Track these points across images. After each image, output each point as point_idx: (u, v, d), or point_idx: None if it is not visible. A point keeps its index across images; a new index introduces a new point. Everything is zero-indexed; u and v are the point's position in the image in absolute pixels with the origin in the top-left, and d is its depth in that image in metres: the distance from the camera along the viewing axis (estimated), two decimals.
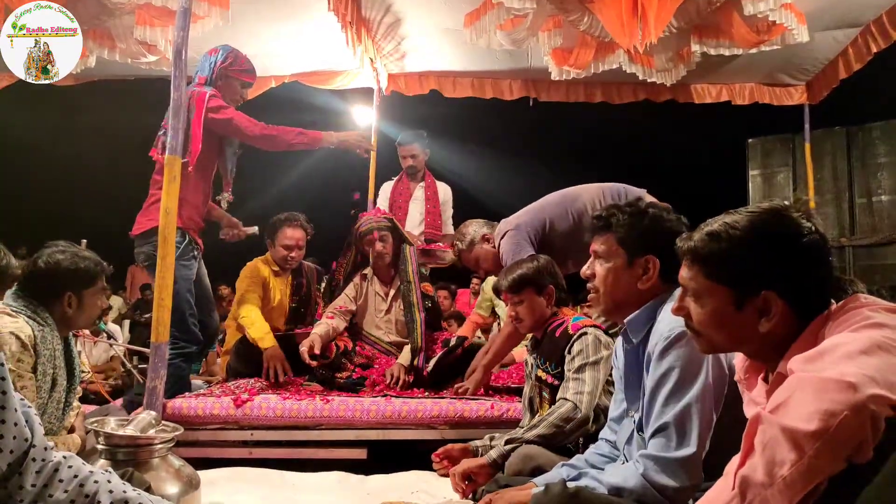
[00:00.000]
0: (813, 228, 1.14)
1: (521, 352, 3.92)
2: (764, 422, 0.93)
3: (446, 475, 2.20)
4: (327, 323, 3.33)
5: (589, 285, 1.71)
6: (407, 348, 3.30)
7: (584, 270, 1.71)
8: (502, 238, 3.15)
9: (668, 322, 1.49)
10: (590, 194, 3.21)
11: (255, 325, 3.39)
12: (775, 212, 1.16)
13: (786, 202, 1.19)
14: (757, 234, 1.15)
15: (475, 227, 3.33)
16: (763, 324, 1.14)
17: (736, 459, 0.99)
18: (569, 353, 2.17)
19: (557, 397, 2.16)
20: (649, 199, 3.12)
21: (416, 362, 3.18)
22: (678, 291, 1.59)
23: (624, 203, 1.70)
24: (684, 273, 1.25)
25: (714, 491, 1.02)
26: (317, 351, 3.10)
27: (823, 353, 0.98)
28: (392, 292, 3.52)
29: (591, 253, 1.70)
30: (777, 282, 1.13)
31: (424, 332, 3.28)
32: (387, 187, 4.75)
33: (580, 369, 2.11)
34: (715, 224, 1.20)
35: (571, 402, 2.06)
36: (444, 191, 4.71)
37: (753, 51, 3.92)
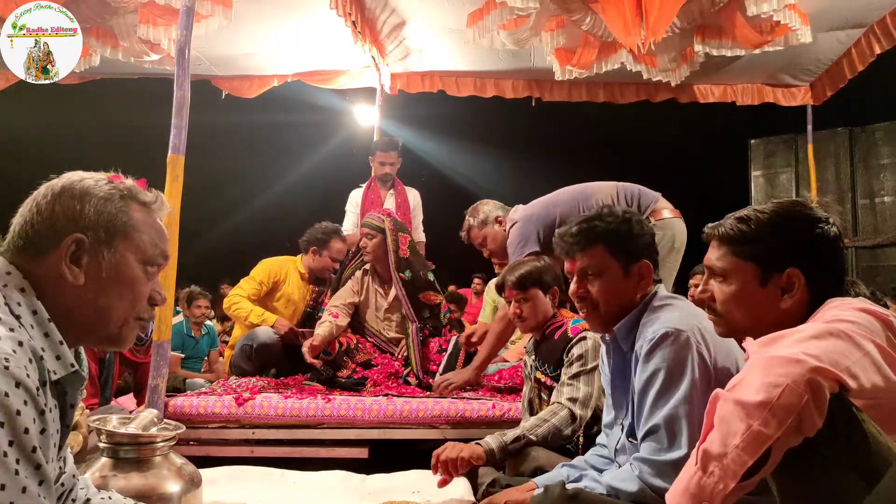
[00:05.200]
0: (830, 220, 1.24)
1: (514, 352, 3.92)
2: (721, 399, 1.01)
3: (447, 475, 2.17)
4: (331, 322, 3.32)
5: (580, 303, 1.65)
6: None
7: (576, 290, 1.64)
8: (513, 226, 3.19)
9: (652, 325, 1.50)
10: (603, 193, 3.13)
11: (252, 312, 3.61)
12: (797, 202, 1.28)
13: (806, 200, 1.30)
14: (781, 217, 1.25)
15: (491, 207, 3.37)
16: (785, 300, 1.22)
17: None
18: (567, 356, 2.16)
19: (552, 401, 2.16)
20: (663, 202, 3.10)
21: (413, 370, 3.23)
22: (659, 286, 1.60)
23: (599, 213, 1.65)
24: (712, 255, 1.31)
25: (683, 470, 1.08)
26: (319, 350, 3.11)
27: (778, 338, 1.07)
28: (392, 291, 3.52)
29: (576, 271, 1.63)
30: (802, 260, 1.21)
31: (417, 344, 3.30)
32: (356, 195, 4.59)
33: (576, 376, 2.11)
34: (743, 211, 1.29)
35: (567, 409, 2.06)
36: (414, 196, 4.65)
37: (757, 51, 3.90)
